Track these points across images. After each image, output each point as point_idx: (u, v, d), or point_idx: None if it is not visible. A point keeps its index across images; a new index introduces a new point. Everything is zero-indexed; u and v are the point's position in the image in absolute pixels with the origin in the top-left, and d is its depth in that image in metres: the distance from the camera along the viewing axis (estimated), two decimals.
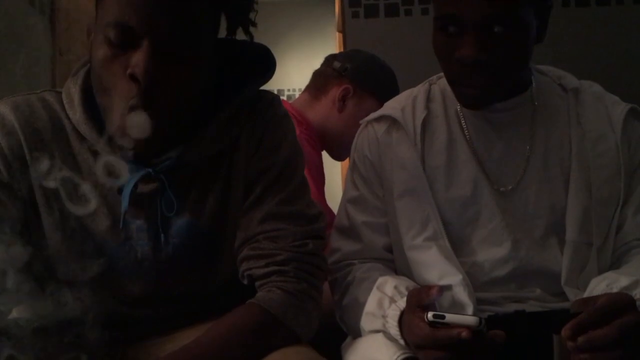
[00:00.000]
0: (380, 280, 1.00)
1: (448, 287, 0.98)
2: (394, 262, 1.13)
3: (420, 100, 1.13)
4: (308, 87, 1.83)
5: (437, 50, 1.02)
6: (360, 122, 1.22)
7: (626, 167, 1.03)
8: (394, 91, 1.75)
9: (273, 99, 1.03)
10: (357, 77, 1.76)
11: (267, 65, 1.01)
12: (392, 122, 1.13)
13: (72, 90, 0.95)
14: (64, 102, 0.95)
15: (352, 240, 1.14)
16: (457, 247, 1.04)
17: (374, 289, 0.99)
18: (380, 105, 1.67)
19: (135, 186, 0.93)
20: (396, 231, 1.09)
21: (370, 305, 0.98)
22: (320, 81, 1.80)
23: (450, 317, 0.81)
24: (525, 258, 1.02)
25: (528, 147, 1.06)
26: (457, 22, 0.96)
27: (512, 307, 0.99)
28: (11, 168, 0.91)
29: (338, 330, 1.12)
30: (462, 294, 0.98)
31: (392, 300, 0.95)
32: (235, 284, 1.00)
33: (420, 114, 1.11)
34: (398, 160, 1.10)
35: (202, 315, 1.00)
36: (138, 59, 0.81)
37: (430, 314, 0.82)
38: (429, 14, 2.72)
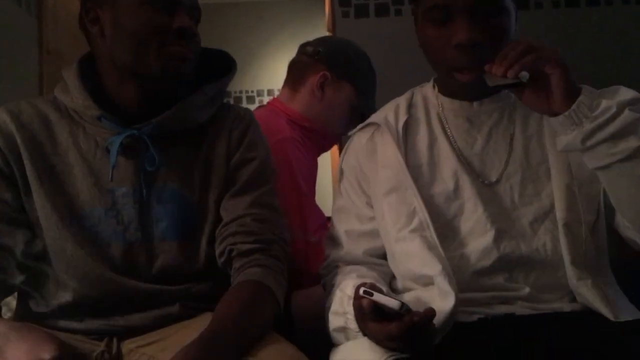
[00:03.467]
0: (343, 282, 1.07)
1: (429, 278, 1.01)
2: (382, 265, 1.15)
3: (402, 106, 1.18)
4: (286, 81, 1.75)
5: (430, 41, 1.06)
6: (349, 134, 1.26)
7: None
8: (371, 79, 1.71)
9: (247, 110, 1.24)
10: (332, 62, 1.67)
11: (228, 65, 1.22)
12: (375, 128, 1.17)
13: (67, 73, 1.13)
14: (58, 93, 1.13)
15: (337, 247, 1.21)
16: (446, 241, 1.05)
17: (337, 290, 1.08)
18: (358, 93, 1.66)
19: (122, 148, 1.07)
20: (385, 230, 1.11)
21: (335, 304, 1.06)
22: (296, 72, 1.72)
23: (377, 296, 0.88)
24: (509, 246, 1.03)
25: (509, 140, 1.09)
26: (448, 10, 1.02)
27: (500, 309, 1.00)
28: (6, 158, 1.07)
29: (328, 335, 1.11)
30: (443, 283, 0.99)
31: (351, 298, 0.99)
32: (212, 273, 1.10)
33: (402, 118, 1.15)
34: (383, 161, 1.13)
35: (182, 303, 1.08)
36: (185, 19, 1.07)
37: (361, 290, 0.89)
38: None
